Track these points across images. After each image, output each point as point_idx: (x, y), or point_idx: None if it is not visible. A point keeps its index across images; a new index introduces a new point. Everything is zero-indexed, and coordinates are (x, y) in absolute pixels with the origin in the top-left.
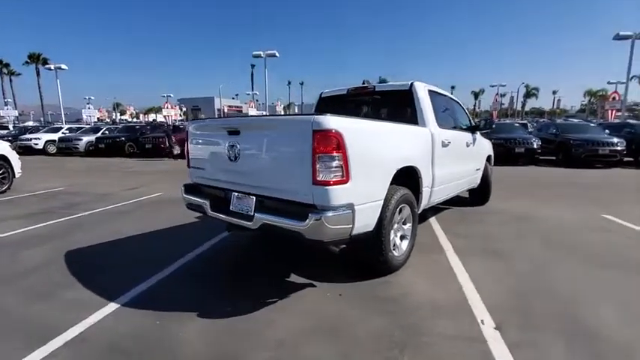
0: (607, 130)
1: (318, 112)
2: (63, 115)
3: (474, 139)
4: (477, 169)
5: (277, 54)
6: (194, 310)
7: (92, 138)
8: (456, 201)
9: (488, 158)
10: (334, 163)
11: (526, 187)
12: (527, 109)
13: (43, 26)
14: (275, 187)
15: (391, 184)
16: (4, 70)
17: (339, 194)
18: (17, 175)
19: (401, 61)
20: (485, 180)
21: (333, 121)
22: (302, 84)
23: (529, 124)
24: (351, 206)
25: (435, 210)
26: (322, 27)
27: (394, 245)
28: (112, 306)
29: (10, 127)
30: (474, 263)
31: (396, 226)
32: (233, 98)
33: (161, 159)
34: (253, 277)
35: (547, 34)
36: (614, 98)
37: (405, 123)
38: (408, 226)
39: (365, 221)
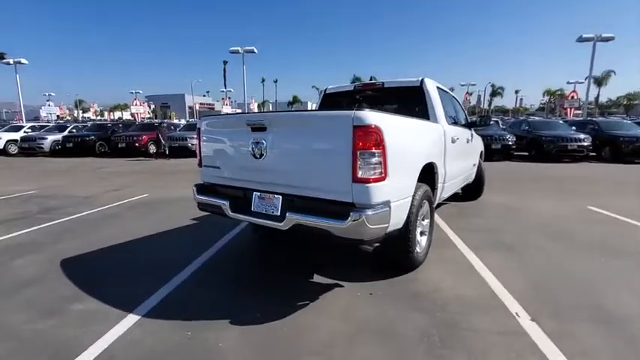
0: (573, 127)
1: (324, 109)
2: (23, 113)
3: (472, 136)
4: (474, 165)
5: (255, 50)
6: (223, 317)
7: (58, 137)
8: (450, 196)
9: (481, 154)
10: (374, 160)
11: (508, 181)
12: (492, 107)
13: None
14: (307, 186)
15: (417, 180)
16: None
17: (378, 191)
18: None
19: (377, 59)
20: (480, 175)
21: (372, 117)
22: (276, 82)
23: (500, 122)
24: (387, 204)
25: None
26: (297, 24)
27: (417, 242)
28: (132, 317)
29: None
30: (489, 257)
31: (418, 222)
32: (204, 95)
33: (137, 159)
34: (272, 278)
35: (511, 36)
36: (572, 97)
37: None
38: (427, 222)
39: (398, 218)
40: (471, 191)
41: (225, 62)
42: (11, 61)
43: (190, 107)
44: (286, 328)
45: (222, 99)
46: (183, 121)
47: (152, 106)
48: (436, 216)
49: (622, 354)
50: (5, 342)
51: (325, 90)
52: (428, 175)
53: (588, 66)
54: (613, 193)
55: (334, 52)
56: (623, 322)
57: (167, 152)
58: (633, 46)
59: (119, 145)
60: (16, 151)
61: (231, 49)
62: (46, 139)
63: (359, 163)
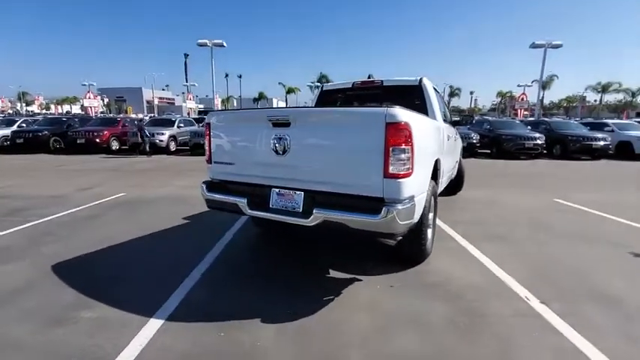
0: (529, 127)
1: (321, 105)
2: None
3: (457, 134)
4: (456, 162)
5: (225, 44)
6: (251, 316)
7: (7, 132)
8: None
9: (461, 151)
10: (404, 156)
11: (478, 177)
12: (449, 107)
13: None
14: (332, 181)
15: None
16: None
17: (406, 187)
18: None
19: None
20: (460, 171)
21: (403, 114)
22: (240, 77)
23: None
24: (413, 198)
25: None
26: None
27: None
28: (155, 322)
29: None
30: (486, 247)
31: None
32: (163, 89)
33: (97, 155)
34: (288, 275)
35: (464, 42)
36: (522, 99)
37: None
38: (431, 215)
39: (419, 212)
40: (452, 187)
41: (186, 55)
42: None
43: (149, 101)
44: (319, 324)
45: (184, 93)
46: (141, 116)
47: (106, 100)
48: None
49: (625, 327)
50: (17, 354)
51: (322, 87)
52: (433, 170)
53: (534, 70)
54: (571, 187)
55: (300, 51)
56: (618, 301)
57: (147, 149)
58: (571, 53)
59: (77, 141)
60: None
61: (199, 41)
62: None
63: (391, 159)
